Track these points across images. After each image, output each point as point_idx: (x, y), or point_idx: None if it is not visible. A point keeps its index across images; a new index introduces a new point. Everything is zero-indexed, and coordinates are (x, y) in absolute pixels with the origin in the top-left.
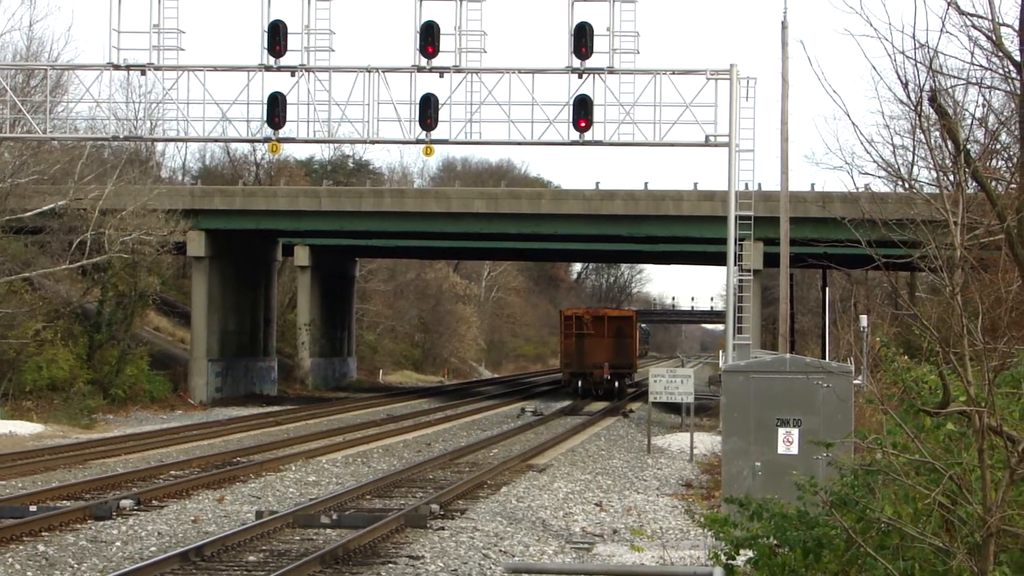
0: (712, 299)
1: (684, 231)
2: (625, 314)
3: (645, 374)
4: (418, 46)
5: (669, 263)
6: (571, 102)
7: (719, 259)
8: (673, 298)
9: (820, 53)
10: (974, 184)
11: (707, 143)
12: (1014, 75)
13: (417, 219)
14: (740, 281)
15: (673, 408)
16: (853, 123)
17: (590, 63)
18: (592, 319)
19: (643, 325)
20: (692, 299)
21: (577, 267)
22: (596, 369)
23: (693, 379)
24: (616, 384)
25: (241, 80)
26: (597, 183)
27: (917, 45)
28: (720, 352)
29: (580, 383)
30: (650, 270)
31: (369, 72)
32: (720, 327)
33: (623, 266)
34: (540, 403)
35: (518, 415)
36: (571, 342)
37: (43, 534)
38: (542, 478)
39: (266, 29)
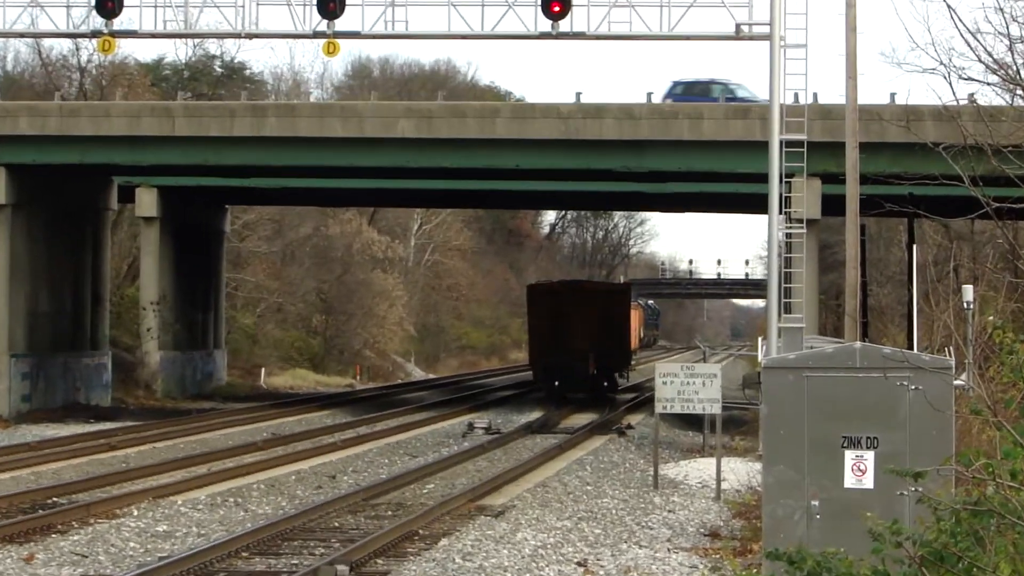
0: (747, 263)
1: (705, 163)
2: (617, 287)
3: (650, 372)
4: None
5: (684, 210)
6: None
7: (757, 204)
8: (691, 262)
9: None
10: None
11: (738, 36)
12: None
13: (315, 148)
14: (788, 236)
15: (691, 422)
16: (950, 6)
17: None
18: (571, 294)
19: (649, 302)
20: (718, 263)
21: (549, 217)
22: (577, 363)
23: (720, 380)
24: (605, 383)
25: None
26: (578, 95)
27: None
28: (759, 340)
29: (556, 383)
30: (656, 222)
31: None
32: (759, 303)
33: (617, 216)
34: (496, 416)
35: (464, 433)
36: (542, 326)
37: None
38: (500, 526)
39: None
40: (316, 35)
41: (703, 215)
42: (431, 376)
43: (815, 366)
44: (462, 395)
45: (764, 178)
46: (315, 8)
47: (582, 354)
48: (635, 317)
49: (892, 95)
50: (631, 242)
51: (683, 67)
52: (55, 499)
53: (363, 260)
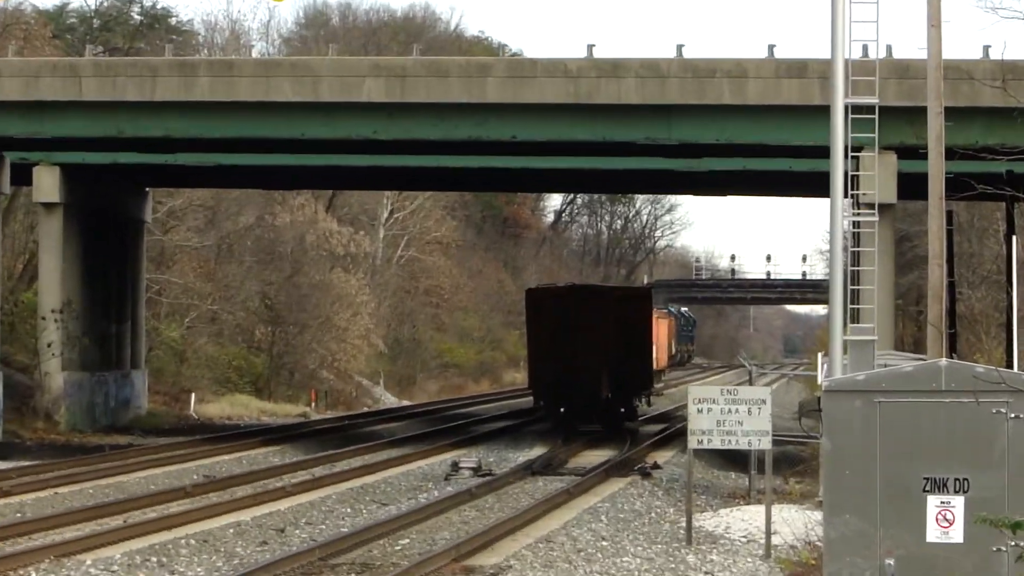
0: (805, 260)
1: (751, 133)
2: (638, 291)
3: (682, 397)
4: None
5: (724, 194)
6: None
7: (816, 186)
8: (733, 259)
9: None
10: None
11: None
12: None
13: (258, 115)
14: (856, 226)
15: (733, 461)
16: None
17: None
18: (581, 300)
19: (682, 309)
20: (768, 260)
21: (554, 203)
22: (588, 385)
23: (770, 407)
24: (622, 409)
25: None
26: (590, 48)
27: None
28: (819, 356)
29: (562, 410)
30: (689, 208)
31: None
32: (819, 310)
33: (639, 201)
34: (488, 453)
35: (447, 475)
36: (545, 340)
37: None
38: None
39: None
40: None
41: (748, 199)
42: (405, 403)
43: (890, 389)
44: (444, 427)
45: (825, 152)
46: None
47: (594, 374)
48: (663, 328)
49: (986, 48)
50: (657, 234)
51: (722, 14)
52: None
53: (319, 257)
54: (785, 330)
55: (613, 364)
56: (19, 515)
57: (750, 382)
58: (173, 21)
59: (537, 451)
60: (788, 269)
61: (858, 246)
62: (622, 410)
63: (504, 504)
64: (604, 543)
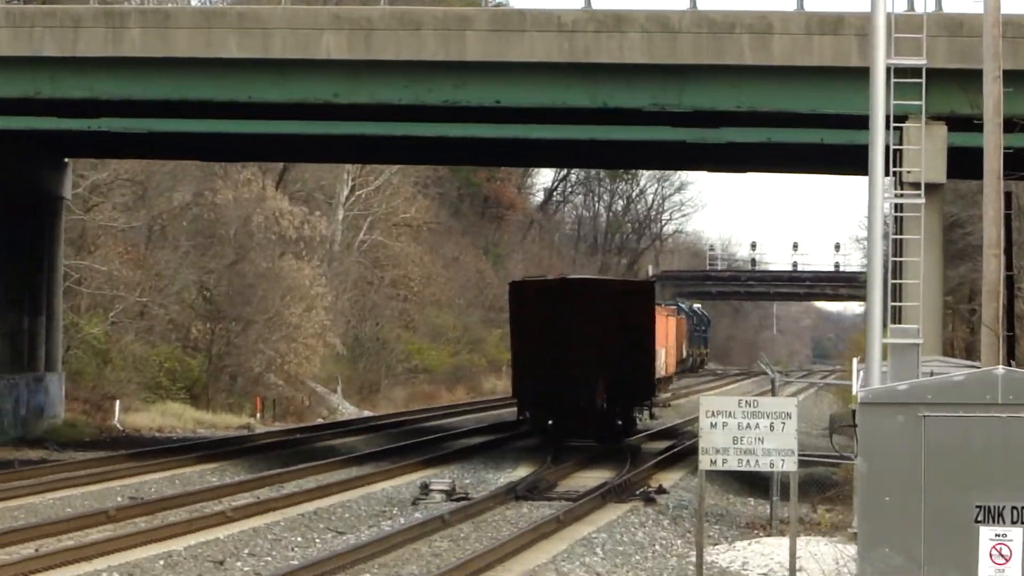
0: (838, 249)
1: (776, 99)
2: (639, 285)
3: (693, 409)
4: None
5: (744, 170)
6: None
7: (852, 162)
8: (754, 247)
9: None
10: None
11: None
12: None
13: (197, 74)
14: (899, 209)
15: (752, 484)
16: None
17: None
18: (574, 295)
19: (695, 306)
20: (795, 249)
21: (544, 179)
22: (581, 393)
23: (796, 421)
24: (620, 422)
25: None
26: None
27: None
28: (854, 362)
29: (550, 422)
30: (702, 186)
31: None
32: (855, 308)
33: (644, 178)
34: (464, 473)
35: (416, 499)
36: (531, 341)
37: None
38: None
39: None
40: None
41: (772, 177)
42: (367, 414)
43: (937, 401)
44: (413, 442)
45: (863, 122)
46: None
47: (589, 381)
48: (671, 329)
49: None
50: (665, 217)
51: None
52: None
53: (267, 241)
54: (814, 331)
55: (611, 370)
56: None
57: (773, 392)
58: None
59: (521, 471)
60: (818, 260)
61: (901, 233)
62: (620, 423)
63: (482, 534)
64: None
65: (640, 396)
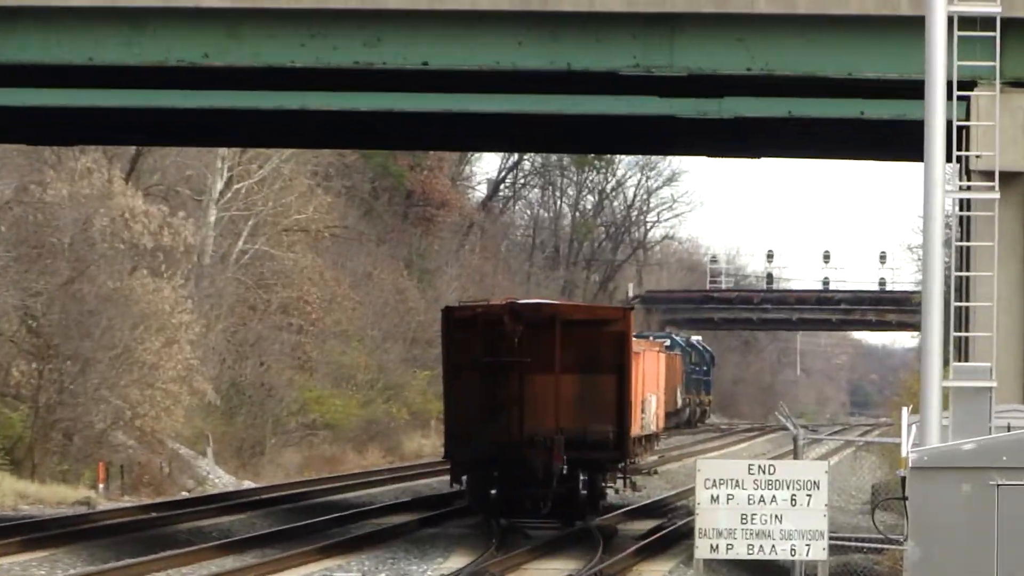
0: (883, 261)
1: (800, 60)
2: (611, 313)
3: (685, 477)
4: None
5: (757, 155)
6: None
7: (902, 143)
8: (771, 258)
9: None
10: None
11: None
12: None
13: (21, 27)
14: (964, 207)
15: (764, 571)
16: None
17: None
18: (526, 326)
19: (693, 339)
20: (826, 261)
21: (487, 167)
22: (533, 451)
23: (826, 492)
24: (585, 491)
25: None
26: None
27: None
28: (903, 413)
29: (493, 492)
30: (701, 176)
31: None
32: (904, 339)
33: (621, 166)
34: (379, 565)
35: None
36: (470, 387)
37: None
38: None
39: None
40: None
41: (795, 164)
42: (248, 485)
43: (1017, 465)
44: (309, 523)
45: (917, 90)
46: None
47: (543, 439)
48: (659, 368)
49: None
50: (651, 218)
51: None
52: None
53: (114, 252)
54: (852, 372)
55: (574, 423)
56: None
57: (796, 454)
58: None
59: (456, 561)
60: (857, 276)
61: (968, 238)
62: (586, 494)
63: None
64: None
65: (614, 459)
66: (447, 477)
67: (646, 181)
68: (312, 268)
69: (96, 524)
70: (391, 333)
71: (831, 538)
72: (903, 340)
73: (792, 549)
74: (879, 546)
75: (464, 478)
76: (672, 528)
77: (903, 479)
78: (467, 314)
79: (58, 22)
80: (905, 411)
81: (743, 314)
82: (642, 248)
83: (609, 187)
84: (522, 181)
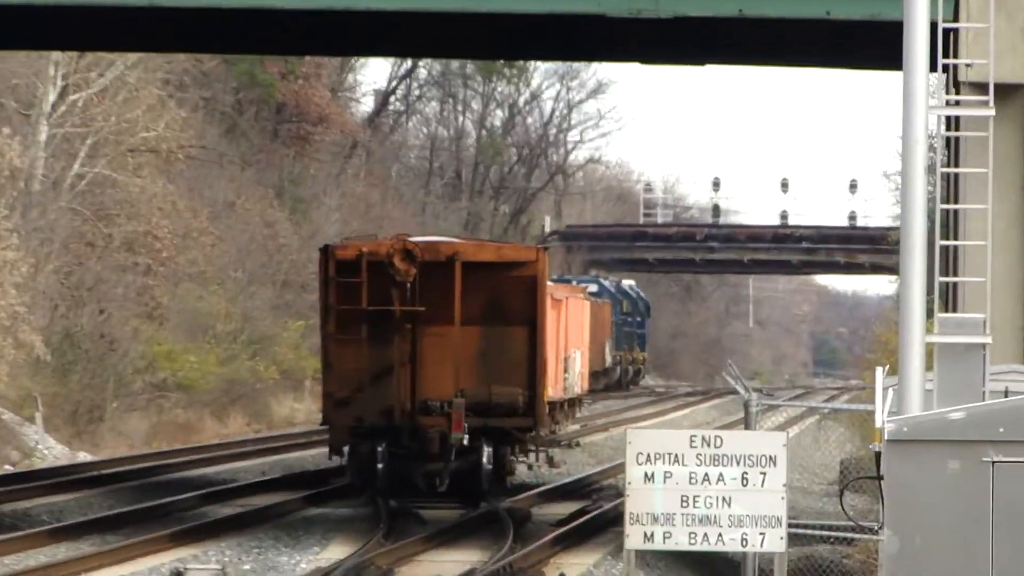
0: (855, 190)
1: None
2: (518, 254)
3: (614, 450)
4: None
5: (702, 62)
6: None
7: (876, 49)
8: (717, 187)
9: None
10: None
11: None
12: None
13: None
14: (951, 126)
15: (714, 569)
16: None
17: None
18: (420, 269)
19: (625, 284)
20: (784, 191)
21: (374, 76)
22: (427, 418)
23: (784, 470)
24: (490, 465)
25: None
26: None
27: None
28: (877, 372)
29: (380, 465)
30: (631, 89)
31: None
32: (880, 285)
33: (539, 76)
34: (242, 555)
35: None
36: (353, 341)
37: None
38: None
39: None
40: None
41: (747, 72)
42: (85, 457)
43: (1016, 438)
44: (159, 503)
45: None
46: None
47: (438, 403)
48: (582, 319)
49: None
50: (572, 138)
51: None
52: None
53: None
54: (816, 324)
55: (476, 385)
56: None
57: (747, 424)
58: None
59: (335, 551)
60: (822, 209)
61: (957, 164)
62: (491, 468)
63: None
64: None
65: (526, 427)
66: (325, 449)
67: (567, 93)
68: (163, 196)
69: None
70: (258, 275)
71: (791, 525)
72: (877, 286)
73: (743, 539)
74: (849, 535)
75: (345, 450)
76: (598, 512)
77: (878, 455)
78: (350, 254)
79: None
80: (880, 372)
81: (684, 254)
82: (562, 174)
83: (522, 100)
84: (417, 93)
